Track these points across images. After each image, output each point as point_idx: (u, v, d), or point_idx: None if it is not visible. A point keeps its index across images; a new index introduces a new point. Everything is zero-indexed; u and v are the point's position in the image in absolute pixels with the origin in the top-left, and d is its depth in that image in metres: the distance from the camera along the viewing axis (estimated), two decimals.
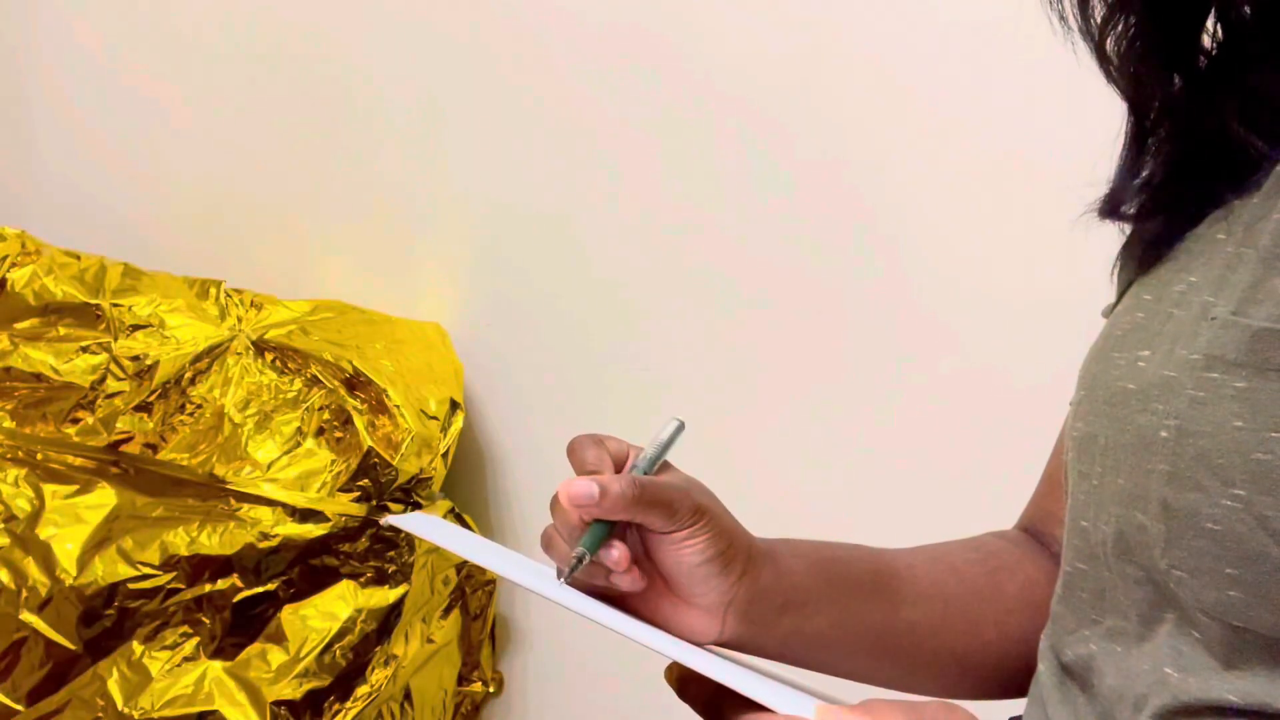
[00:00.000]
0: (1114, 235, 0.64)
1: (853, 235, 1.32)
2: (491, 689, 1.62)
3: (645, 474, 0.69)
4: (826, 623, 0.71)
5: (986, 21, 1.18)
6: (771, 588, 0.69)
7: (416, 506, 1.46)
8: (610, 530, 0.67)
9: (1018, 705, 0.68)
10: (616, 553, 0.66)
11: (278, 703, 1.36)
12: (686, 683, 0.64)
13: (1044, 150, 1.16)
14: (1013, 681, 0.73)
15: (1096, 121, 0.62)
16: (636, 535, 0.68)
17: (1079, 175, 0.64)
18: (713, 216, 1.41)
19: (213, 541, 1.38)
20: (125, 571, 1.36)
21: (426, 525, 0.75)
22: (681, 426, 0.72)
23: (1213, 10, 0.58)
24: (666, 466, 0.70)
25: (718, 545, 0.67)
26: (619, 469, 0.69)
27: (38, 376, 1.48)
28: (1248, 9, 0.57)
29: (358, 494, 1.43)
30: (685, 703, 0.65)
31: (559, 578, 0.67)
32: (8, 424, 1.46)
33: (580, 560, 0.66)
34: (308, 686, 1.38)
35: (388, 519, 0.70)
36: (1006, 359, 1.23)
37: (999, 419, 1.23)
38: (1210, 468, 0.50)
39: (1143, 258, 0.61)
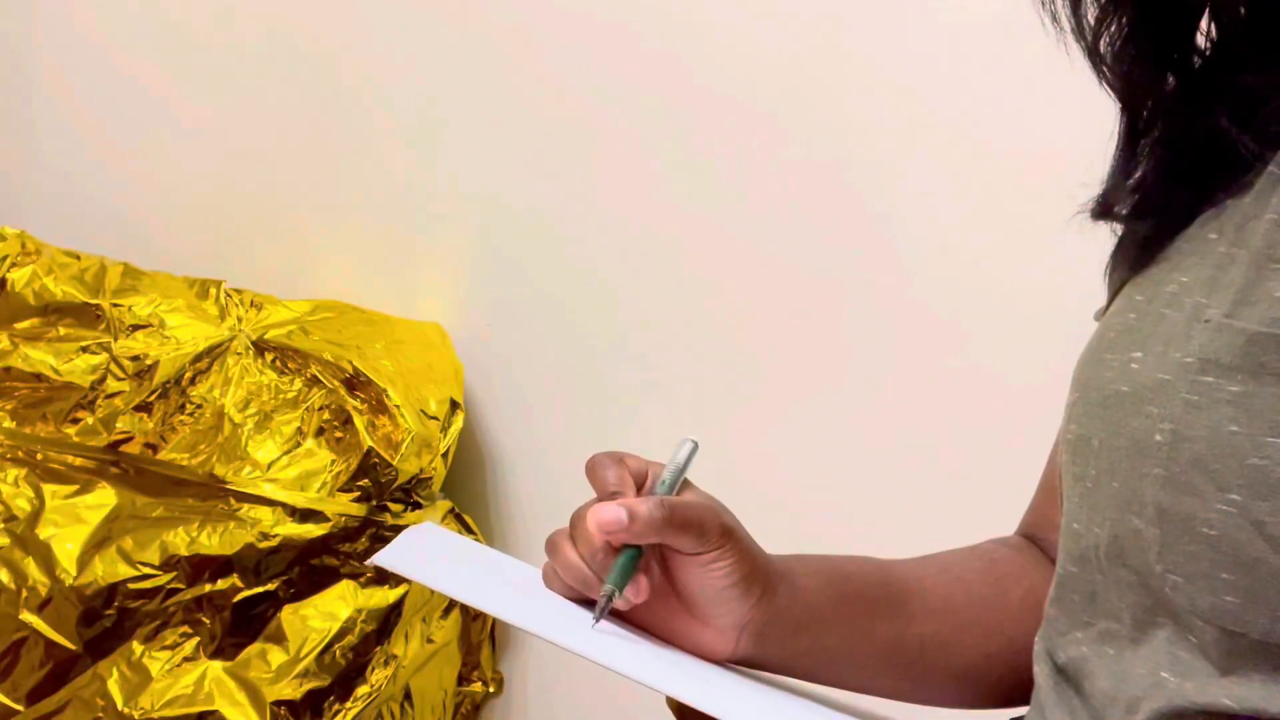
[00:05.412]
0: (1108, 236, 0.64)
1: (851, 237, 1.32)
2: (491, 689, 1.62)
3: (667, 495, 0.67)
4: (838, 640, 0.70)
5: (980, 22, 1.18)
6: (787, 610, 0.68)
7: (417, 506, 1.46)
8: (639, 558, 0.64)
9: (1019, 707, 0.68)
10: (640, 586, 0.65)
11: (278, 703, 1.36)
12: (687, 712, 0.63)
13: (1037, 152, 1.16)
14: (1019, 689, 0.72)
15: (1090, 122, 0.62)
16: (658, 553, 0.67)
17: (1073, 176, 0.64)
18: (713, 218, 1.40)
19: (213, 541, 1.38)
20: (125, 571, 1.36)
21: (417, 552, 0.71)
22: (696, 447, 0.70)
23: (1206, 10, 0.58)
24: (686, 485, 0.69)
25: (743, 568, 0.66)
26: (639, 489, 0.67)
27: (38, 376, 1.48)
28: (1242, 9, 0.57)
29: (358, 494, 1.43)
30: None
31: (593, 621, 0.64)
32: (8, 424, 1.46)
33: (609, 598, 0.64)
34: (308, 686, 1.38)
35: (371, 560, 0.66)
36: (1003, 360, 1.22)
37: (998, 420, 1.23)
38: (1206, 472, 0.50)
39: (1135, 258, 0.60)
